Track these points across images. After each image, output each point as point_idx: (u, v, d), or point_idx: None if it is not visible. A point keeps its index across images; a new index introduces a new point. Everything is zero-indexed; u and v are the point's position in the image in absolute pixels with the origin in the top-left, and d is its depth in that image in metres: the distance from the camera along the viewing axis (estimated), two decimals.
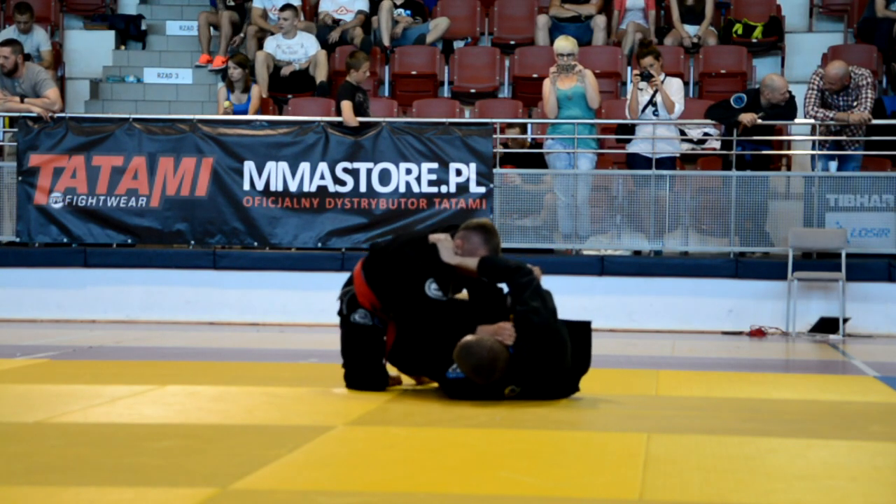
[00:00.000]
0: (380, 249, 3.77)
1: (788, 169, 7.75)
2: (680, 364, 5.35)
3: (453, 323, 3.63)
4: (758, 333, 6.89)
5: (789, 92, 7.18)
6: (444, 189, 7.21)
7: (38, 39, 8.57)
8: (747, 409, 3.70)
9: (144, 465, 2.62)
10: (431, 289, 3.63)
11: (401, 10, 8.85)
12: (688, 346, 6.27)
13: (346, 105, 7.23)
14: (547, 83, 7.33)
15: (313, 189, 7.25)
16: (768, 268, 7.10)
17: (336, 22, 8.83)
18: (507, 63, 8.80)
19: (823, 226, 7.08)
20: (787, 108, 7.15)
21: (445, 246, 3.67)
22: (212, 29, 9.07)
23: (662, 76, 7.30)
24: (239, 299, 7.24)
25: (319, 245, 7.28)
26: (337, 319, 3.91)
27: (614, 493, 2.43)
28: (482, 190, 7.19)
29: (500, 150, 7.29)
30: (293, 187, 7.25)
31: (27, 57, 7.79)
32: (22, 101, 7.31)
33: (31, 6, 8.58)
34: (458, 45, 8.99)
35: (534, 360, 3.59)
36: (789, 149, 7.79)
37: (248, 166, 7.27)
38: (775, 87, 7.03)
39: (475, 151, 7.19)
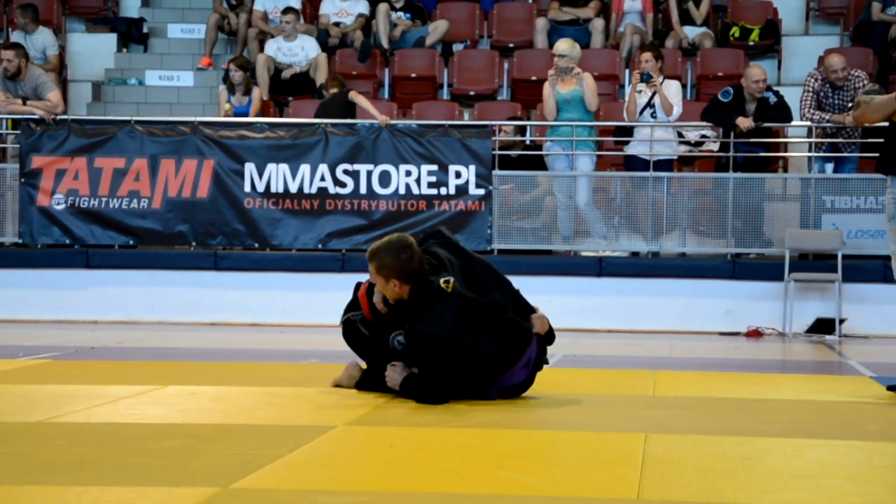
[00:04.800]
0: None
1: (785, 171, 7.79)
2: (677, 364, 5.36)
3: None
4: (755, 334, 6.92)
5: (777, 93, 7.22)
6: (443, 191, 7.24)
7: (45, 42, 8.60)
8: (744, 409, 3.71)
9: (146, 465, 2.63)
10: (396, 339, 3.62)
11: (400, 14, 8.89)
12: (685, 346, 6.29)
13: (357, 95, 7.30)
14: (547, 86, 7.37)
15: (313, 191, 7.29)
16: (765, 269, 7.13)
17: (336, 25, 8.88)
18: (505, 66, 8.84)
19: (820, 227, 7.12)
20: (780, 111, 7.20)
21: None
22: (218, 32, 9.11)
23: (661, 78, 7.34)
24: (240, 300, 7.28)
25: (320, 246, 7.31)
26: (337, 320, 3.93)
27: (612, 492, 2.45)
28: (481, 192, 7.23)
29: (499, 151, 7.33)
30: (293, 189, 7.29)
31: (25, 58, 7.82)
32: (24, 104, 7.34)
33: (35, 6, 8.61)
34: (457, 47, 9.03)
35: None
36: (786, 151, 7.83)
37: (249, 168, 7.30)
38: (748, 75, 7.09)
39: (474, 153, 7.23)
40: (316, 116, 7.51)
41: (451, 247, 3.68)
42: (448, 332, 3.49)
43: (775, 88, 7.38)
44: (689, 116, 7.56)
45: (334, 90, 7.52)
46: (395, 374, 3.64)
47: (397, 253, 3.52)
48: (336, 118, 7.34)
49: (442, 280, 3.53)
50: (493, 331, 3.58)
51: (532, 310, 3.72)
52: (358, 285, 3.81)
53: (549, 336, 3.76)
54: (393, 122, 7.43)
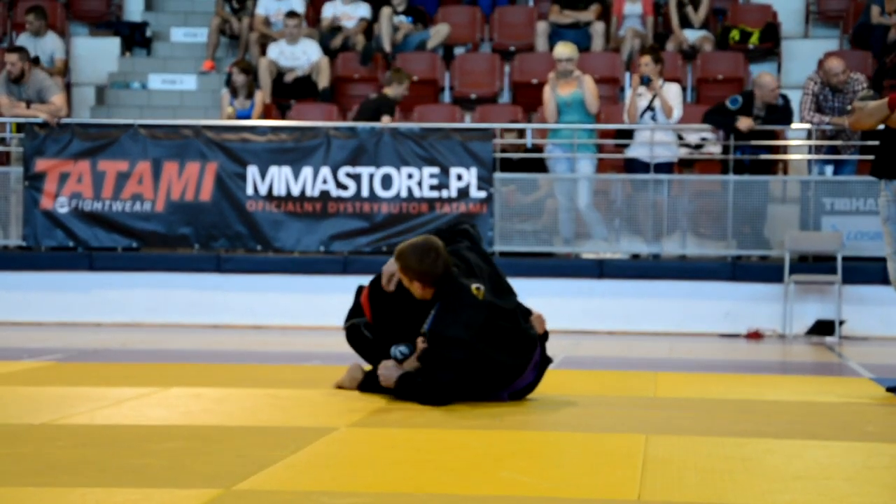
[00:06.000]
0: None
1: (785, 173, 7.81)
2: (678, 366, 5.37)
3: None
4: (755, 336, 6.94)
5: (784, 96, 7.25)
6: (444, 193, 7.27)
7: (53, 46, 8.64)
8: (744, 410, 3.73)
9: (149, 467, 2.65)
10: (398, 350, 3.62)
11: (402, 17, 8.93)
12: (685, 348, 6.31)
13: (387, 120, 7.39)
14: (547, 89, 7.40)
15: (316, 194, 7.32)
16: (765, 271, 7.16)
17: (338, 28, 8.91)
18: (506, 69, 8.88)
19: (819, 229, 7.14)
20: (783, 113, 7.22)
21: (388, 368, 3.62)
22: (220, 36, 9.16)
23: (661, 81, 7.37)
24: (242, 302, 7.30)
25: (322, 249, 7.34)
26: (340, 322, 3.95)
27: (613, 493, 2.46)
28: (482, 194, 7.26)
29: (500, 154, 7.36)
30: (296, 192, 7.32)
31: (36, 61, 7.85)
32: (28, 107, 7.37)
33: (42, 8, 8.65)
34: (458, 51, 9.07)
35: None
36: (786, 153, 7.85)
37: (252, 171, 7.33)
38: (763, 84, 7.11)
39: (475, 156, 7.26)
40: (360, 111, 7.52)
41: (479, 251, 3.66)
42: (473, 339, 3.48)
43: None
44: (690, 119, 7.58)
45: (388, 90, 7.53)
46: (388, 372, 3.64)
47: (421, 256, 3.49)
48: (369, 118, 7.36)
49: (474, 286, 3.50)
50: (511, 340, 3.59)
51: (529, 312, 3.75)
52: (359, 289, 3.83)
53: (545, 335, 3.80)
54: (395, 124, 7.45)
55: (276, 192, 7.32)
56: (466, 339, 3.47)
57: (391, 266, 3.62)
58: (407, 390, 3.62)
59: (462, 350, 3.49)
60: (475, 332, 3.48)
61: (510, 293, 3.63)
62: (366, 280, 3.86)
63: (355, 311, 3.82)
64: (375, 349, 3.76)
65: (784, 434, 3.25)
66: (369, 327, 3.76)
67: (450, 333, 3.48)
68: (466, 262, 3.58)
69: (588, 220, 7.36)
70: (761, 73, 7.41)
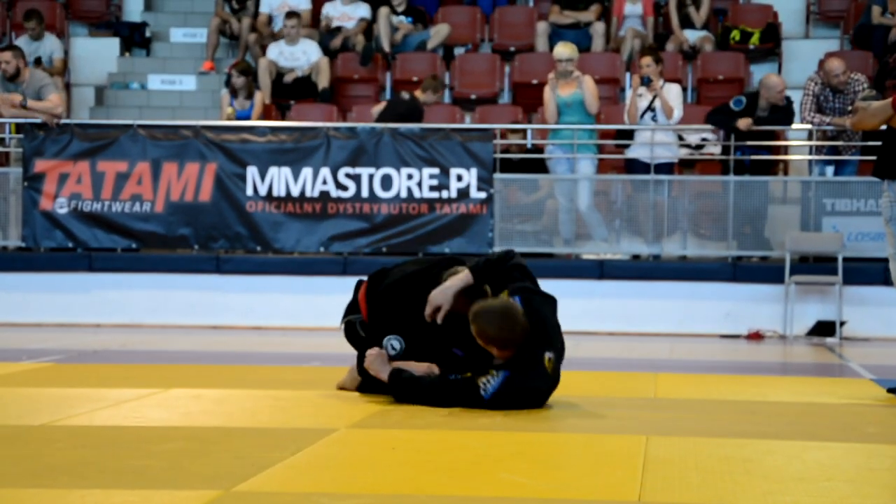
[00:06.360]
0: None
1: (786, 174, 7.82)
2: (678, 367, 5.38)
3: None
4: (755, 336, 6.95)
5: (787, 98, 7.25)
6: (444, 194, 7.27)
7: (52, 47, 8.65)
8: (745, 411, 3.73)
9: (149, 468, 2.64)
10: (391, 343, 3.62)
11: (402, 17, 8.93)
12: (686, 348, 6.32)
13: None
14: (547, 90, 7.40)
15: (315, 194, 7.32)
16: (766, 271, 7.16)
17: (338, 29, 8.92)
18: (507, 69, 8.88)
19: (820, 230, 7.14)
20: (784, 114, 7.23)
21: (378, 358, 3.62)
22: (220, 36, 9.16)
23: (661, 82, 7.37)
24: (242, 303, 7.30)
25: (322, 250, 7.34)
26: (339, 324, 3.94)
27: (613, 494, 2.45)
28: (482, 195, 7.26)
29: (500, 155, 7.36)
30: (295, 192, 7.32)
31: (38, 62, 7.84)
32: (24, 105, 7.36)
33: (40, 13, 8.66)
34: (458, 51, 9.07)
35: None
36: (786, 154, 7.85)
37: (251, 172, 7.33)
38: (770, 85, 7.12)
39: (475, 157, 7.26)
40: (384, 112, 7.51)
41: (544, 295, 3.63)
42: (527, 399, 3.54)
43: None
44: (690, 119, 7.59)
45: (420, 93, 7.56)
46: (376, 363, 3.63)
47: (500, 323, 3.46)
48: (396, 119, 7.35)
49: (547, 357, 3.53)
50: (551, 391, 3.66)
51: None
52: (359, 284, 3.82)
53: None
54: (395, 125, 7.46)
55: (275, 193, 7.32)
56: (520, 400, 3.54)
57: (440, 298, 3.57)
58: (408, 389, 3.60)
59: (513, 405, 3.53)
60: (534, 397, 3.56)
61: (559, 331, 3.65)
62: (364, 277, 3.85)
63: (352, 308, 3.81)
64: (370, 348, 3.76)
65: (785, 435, 3.25)
66: (364, 326, 3.75)
67: (509, 394, 3.52)
68: (543, 322, 3.55)
69: (588, 220, 7.36)
70: (768, 75, 7.41)
